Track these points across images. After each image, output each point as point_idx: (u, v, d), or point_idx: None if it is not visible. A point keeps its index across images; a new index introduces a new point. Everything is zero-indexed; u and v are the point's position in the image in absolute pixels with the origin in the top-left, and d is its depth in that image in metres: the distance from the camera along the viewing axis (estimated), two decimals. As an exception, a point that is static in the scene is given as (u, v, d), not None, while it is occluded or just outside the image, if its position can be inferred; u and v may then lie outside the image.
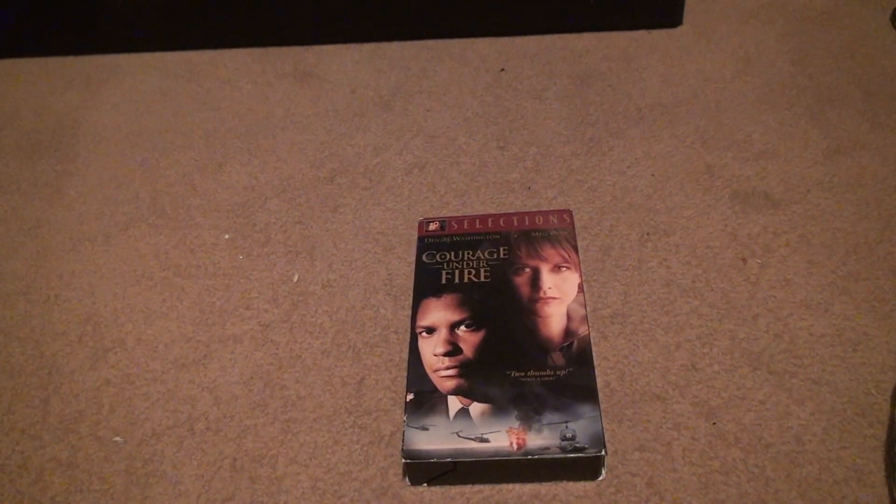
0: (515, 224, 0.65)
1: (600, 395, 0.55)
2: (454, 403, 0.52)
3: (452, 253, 0.63)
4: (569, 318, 0.57)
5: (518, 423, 0.51)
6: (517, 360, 0.54)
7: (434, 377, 0.54)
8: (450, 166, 0.75)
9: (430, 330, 0.57)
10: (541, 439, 0.49)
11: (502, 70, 0.86)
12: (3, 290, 0.68)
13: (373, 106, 0.83)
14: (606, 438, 0.52)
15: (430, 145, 0.77)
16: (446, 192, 0.72)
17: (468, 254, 0.63)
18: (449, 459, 0.49)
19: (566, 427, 0.50)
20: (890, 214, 0.65)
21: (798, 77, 0.80)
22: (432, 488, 0.51)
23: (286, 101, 0.85)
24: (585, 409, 0.51)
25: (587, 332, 0.56)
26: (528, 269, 0.61)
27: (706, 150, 0.73)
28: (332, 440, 0.54)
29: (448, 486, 0.51)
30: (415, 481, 0.51)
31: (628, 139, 0.75)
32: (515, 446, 0.49)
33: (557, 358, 0.54)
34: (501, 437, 0.50)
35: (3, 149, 0.84)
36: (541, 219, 0.65)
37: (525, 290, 0.59)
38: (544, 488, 0.50)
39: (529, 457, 0.49)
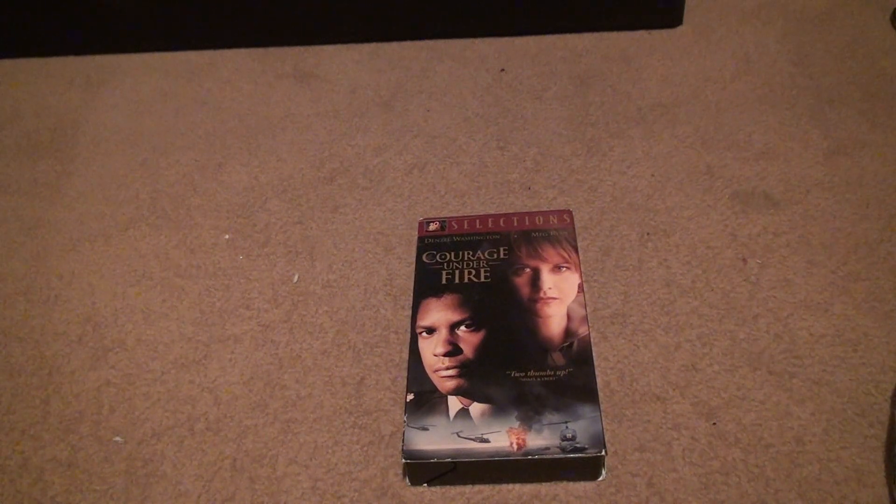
0: (515, 224, 0.65)
1: (600, 395, 0.55)
2: (454, 403, 0.52)
3: (452, 253, 0.63)
4: (569, 318, 0.57)
5: (518, 423, 0.51)
6: (517, 361, 0.54)
7: (434, 377, 0.54)
8: (450, 166, 0.75)
9: (430, 330, 0.57)
10: (541, 439, 0.49)
11: (502, 70, 0.86)
12: (3, 290, 0.68)
13: (373, 106, 0.83)
14: (606, 438, 0.52)
15: (430, 145, 0.77)
16: (446, 192, 0.72)
17: (468, 254, 0.63)
18: (449, 459, 0.49)
19: (566, 427, 0.50)
20: (890, 214, 0.65)
21: (798, 77, 0.80)
22: (432, 488, 0.51)
23: (286, 101, 0.85)
24: (585, 410, 0.51)
25: (587, 333, 0.56)
26: (528, 270, 0.61)
27: (706, 150, 0.73)
28: (332, 440, 0.54)
29: (448, 487, 0.51)
30: (415, 481, 0.51)
31: (628, 139, 0.75)
32: (515, 446, 0.49)
33: (557, 358, 0.54)
34: (501, 437, 0.50)
35: (3, 149, 0.84)
36: (541, 219, 0.65)
37: (525, 290, 0.59)
38: (544, 488, 0.50)
39: (529, 457, 0.49)
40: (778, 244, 0.64)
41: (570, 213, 0.65)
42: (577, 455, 0.49)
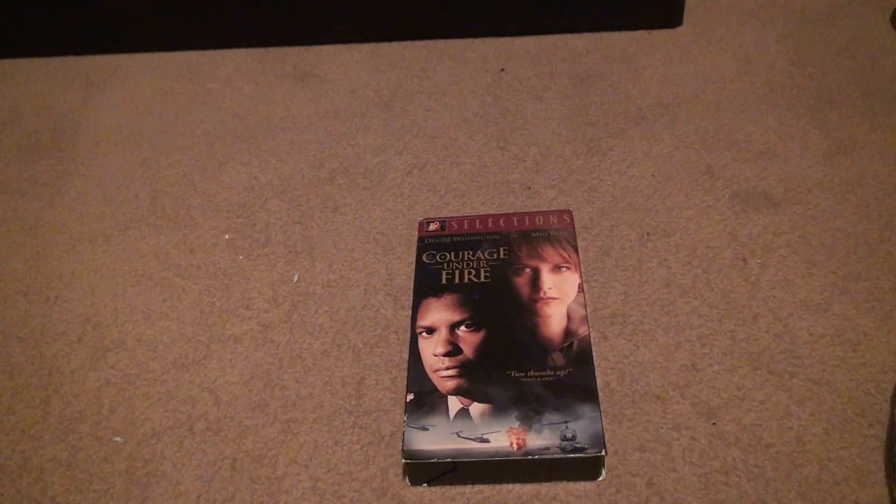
0: (515, 224, 0.65)
1: (600, 395, 0.55)
2: (454, 403, 0.52)
3: (452, 253, 0.63)
4: (569, 318, 0.57)
5: (518, 423, 0.51)
6: (517, 361, 0.54)
7: (434, 377, 0.54)
8: (450, 166, 0.75)
9: (430, 330, 0.57)
10: (541, 439, 0.49)
11: (502, 70, 0.86)
12: (3, 290, 0.68)
13: (373, 106, 0.83)
14: (606, 438, 0.52)
15: (430, 145, 0.77)
16: (446, 192, 0.72)
17: (468, 254, 0.63)
18: (449, 459, 0.49)
19: (566, 427, 0.50)
20: (890, 214, 0.65)
21: (798, 77, 0.80)
22: (432, 488, 0.51)
23: (286, 101, 0.85)
24: (585, 409, 0.51)
25: (587, 333, 0.56)
26: (528, 270, 0.61)
27: (706, 150, 0.73)
28: (332, 440, 0.54)
29: (448, 487, 0.51)
30: (415, 481, 0.51)
31: (628, 139, 0.75)
32: (515, 446, 0.49)
33: (557, 358, 0.54)
34: (501, 437, 0.50)
35: (3, 149, 0.84)
36: (541, 219, 0.65)
37: (525, 290, 0.59)
38: (544, 488, 0.50)
39: (529, 457, 0.49)
40: (778, 244, 0.64)
41: (570, 213, 0.65)
42: (577, 455, 0.49)
